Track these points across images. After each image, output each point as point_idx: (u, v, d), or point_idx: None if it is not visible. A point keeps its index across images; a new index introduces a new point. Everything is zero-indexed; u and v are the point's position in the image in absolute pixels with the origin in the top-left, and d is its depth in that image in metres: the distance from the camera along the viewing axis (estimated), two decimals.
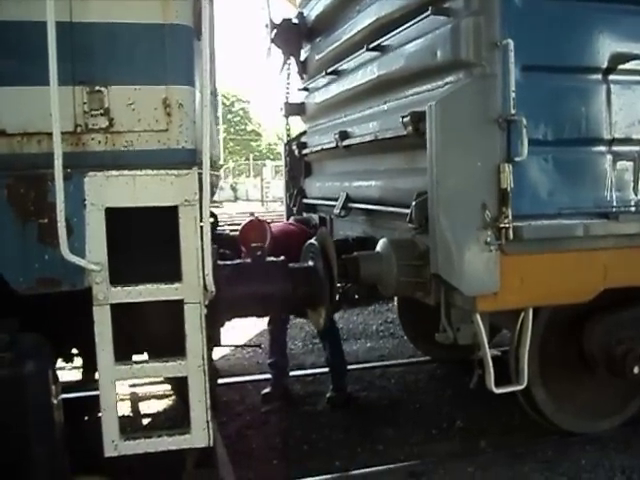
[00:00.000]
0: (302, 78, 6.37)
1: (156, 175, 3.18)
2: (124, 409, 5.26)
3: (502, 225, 3.43)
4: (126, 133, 3.30)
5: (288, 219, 6.34)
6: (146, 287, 3.18)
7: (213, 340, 3.79)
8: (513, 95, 3.38)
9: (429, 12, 3.62)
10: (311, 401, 5.45)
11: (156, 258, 3.30)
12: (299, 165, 6.49)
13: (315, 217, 6.06)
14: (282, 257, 3.86)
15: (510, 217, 3.43)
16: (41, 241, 3.09)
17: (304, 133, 6.60)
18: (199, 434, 3.30)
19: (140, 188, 3.16)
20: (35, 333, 3.19)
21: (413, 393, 5.57)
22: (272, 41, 6.01)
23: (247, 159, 49.72)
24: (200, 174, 3.27)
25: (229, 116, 57.28)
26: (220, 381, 5.68)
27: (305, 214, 6.33)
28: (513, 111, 3.38)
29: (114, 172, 3.14)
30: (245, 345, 6.20)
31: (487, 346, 3.64)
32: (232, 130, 57.25)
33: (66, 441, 3.46)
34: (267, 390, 5.53)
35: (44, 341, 3.24)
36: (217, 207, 29.63)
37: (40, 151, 3.12)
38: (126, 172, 3.15)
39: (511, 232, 3.44)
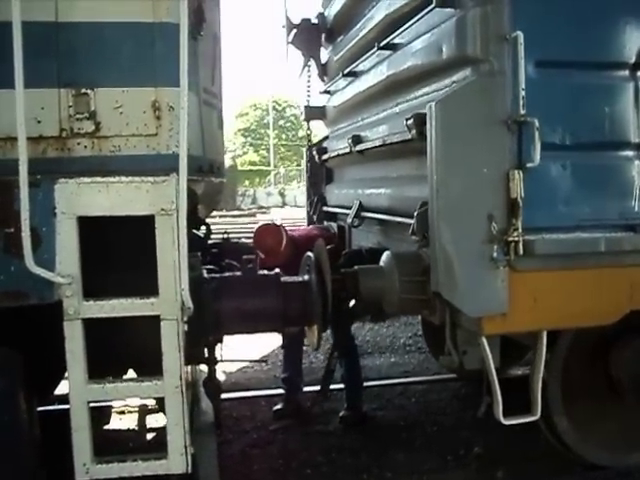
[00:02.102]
0: (323, 80, 6.12)
1: (131, 182, 3.00)
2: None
3: (511, 239, 3.09)
4: (113, 137, 3.16)
5: (309, 227, 6.09)
6: (120, 302, 3.00)
7: (197, 358, 3.56)
8: (523, 94, 3.04)
9: (434, 4, 3.31)
10: (323, 420, 5.16)
11: (135, 271, 3.11)
12: (320, 171, 6.23)
13: (334, 226, 5.79)
14: (277, 270, 3.61)
15: (520, 230, 3.09)
16: (7, 252, 2.92)
17: (326, 138, 6.34)
18: (176, 459, 3.09)
19: (114, 196, 2.98)
20: (3, 347, 3.04)
21: (432, 414, 5.23)
22: (291, 42, 5.78)
23: (298, 165, 49.75)
24: (192, 181, 3.08)
25: (281, 122, 57.55)
26: (232, 395, 5.51)
27: (326, 222, 6.06)
28: (523, 111, 3.04)
29: (86, 179, 2.96)
30: (249, 360, 5.96)
31: (494, 372, 3.30)
32: (283, 136, 57.46)
33: (43, 457, 3.32)
34: (279, 406, 5.29)
35: (13, 355, 3.08)
36: (264, 213, 29.81)
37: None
38: (99, 179, 2.98)
39: (521, 246, 3.09)
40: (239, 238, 5.51)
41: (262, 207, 34.28)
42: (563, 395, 3.84)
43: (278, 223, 4.80)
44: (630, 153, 3.39)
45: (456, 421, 5.07)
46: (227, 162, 27.69)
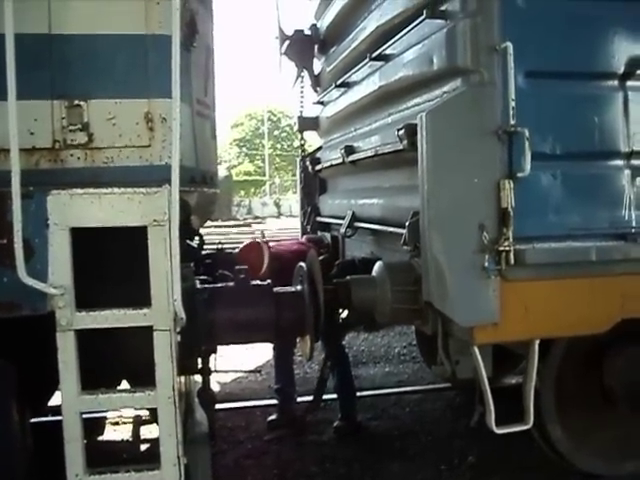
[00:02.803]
0: (316, 91, 6.15)
1: (123, 194, 2.99)
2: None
3: (502, 248, 3.10)
4: (106, 149, 3.17)
5: (302, 237, 6.11)
6: (113, 312, 2.99)
7: (190, 369, 3.56)
8: (513, 104, 3.07)
9: (424, 16, 3.34)
10: (318, 430, 5.15)
11: (127, 281, 3.11)
12: (313, 182, 6.26)
13: (328, 236, 5.81)
14: (268, 280, 3.62)
15: (511, 239, 3.10)
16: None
17: (320, 148, 6.37)
18: (169, 470, 3.07)
19: (106, 207, 2.97)
20: None
21: (427, 423, 5.23)
22: (284, 53, 5.82)
23: (294, 175, 49.84)
24: (185, 192, 3.09)
25: (276, 132, 57.67)
26: (226, 406, 5.50)
27: (319, 232, 6.08)
28: (513, 122, 3.07)
29: (78, 190, 2.96)
30: (243, 370, 5.96)
31: (487, 382, 3.31)
32: (279, 146, 57.57)
33: (35, 468, 3.31)
34: (273, 417, 5.29)
35: (6, 366, 3.08)
36: (259, 223, 29.85)
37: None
38: (91, 190, 2.98)
39: (512, 256, 3.11)
40: (233, 248, 5.49)
41: (257, 217, 34.38)
42: (556, 404, 3.85)
43: (262, 240, 4.78)
44: (620, 162, 3.42)
45: (450, 430, 5.06)
46: (222, 172, 27.72)
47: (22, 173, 2.82)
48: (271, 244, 5.02)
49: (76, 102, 3.12)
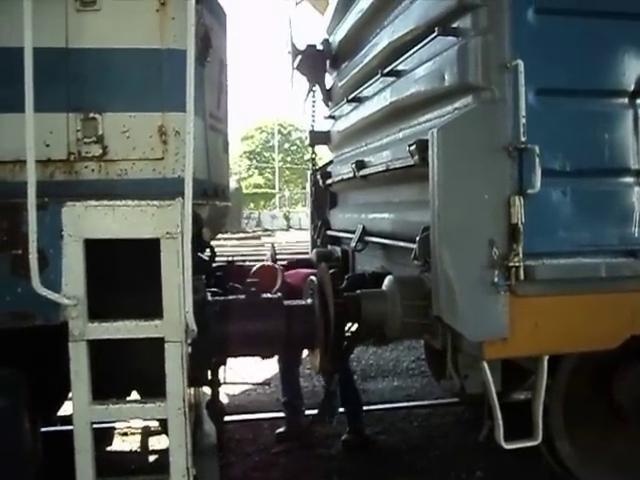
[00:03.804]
0: (327, 106, 6.20)
1: (137, 206, 3.03)
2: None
3: (512, 264, 3.11)
4: (120, 161, 3.23)
5: (312, 251, 6.13)
6: (124, 324, 3.02)
7: (200, 381, 3.58)
8: (523, 121, 3.09)
9: (436, 33, 3.38)
10: (326, 443, 5.16)
11: (140, 293, 3.14)
12: (324, 195, 6.28)
13: (338, 250, 5.83)
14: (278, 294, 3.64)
15: (521, 255, 3.12)
16: (14, 273, 2.96)
17: (331, 162, 6.41)
18: None
19: (120, 219, 3.01)
20: (7, 367, 3.06)
21: (435, 438, 5.22)
22: (296, 68, 5.87)
23: (303, 188, 49.95)
24: (198, 205, 3.13)
25: (286, 145, 57.88)
26: (235, 418, 5.51)
27: (329, 246, 6.10)
28: (523, 138, 3.09)
29: (93, 202, 3.00)
30: (252, 383, 5.97)
31: (495, 396, 3.31)
32: (289, 159, 57.75)
33: (45, 477, 3.33)
34: (281, 429, 5.29)
35: (17, 375, 3.11)
36: (269, 235, 29.91)
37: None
38: (105, 202, 3.02)
39: (522, 272, 3.12)
40: (243, 261, 5.53)
41: (267, 230, 34.43)
42: (565, 419, 3.84)
43: (277, 265, 4.79)
44: (630, 179, 3.42)
45: (458, 445, 5.06)
46: (232, 185, 27.81)
47: (37, 184, 2.86)
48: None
49: (91, 115, 3.18)
